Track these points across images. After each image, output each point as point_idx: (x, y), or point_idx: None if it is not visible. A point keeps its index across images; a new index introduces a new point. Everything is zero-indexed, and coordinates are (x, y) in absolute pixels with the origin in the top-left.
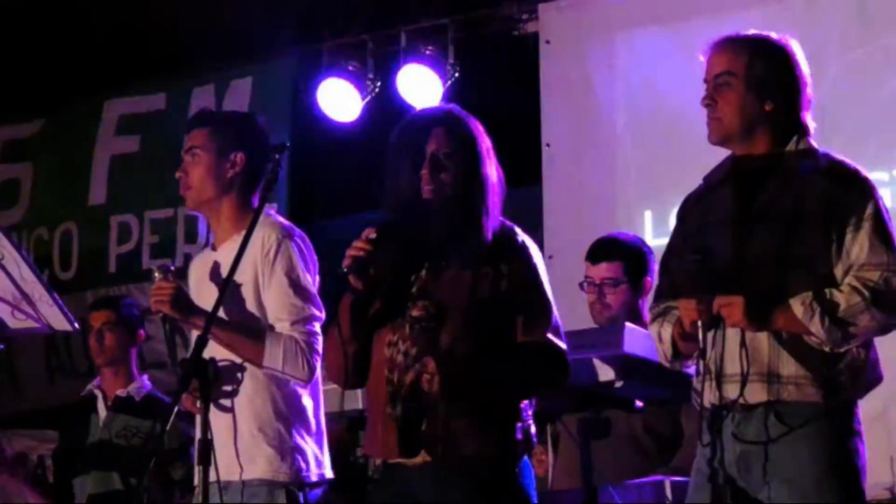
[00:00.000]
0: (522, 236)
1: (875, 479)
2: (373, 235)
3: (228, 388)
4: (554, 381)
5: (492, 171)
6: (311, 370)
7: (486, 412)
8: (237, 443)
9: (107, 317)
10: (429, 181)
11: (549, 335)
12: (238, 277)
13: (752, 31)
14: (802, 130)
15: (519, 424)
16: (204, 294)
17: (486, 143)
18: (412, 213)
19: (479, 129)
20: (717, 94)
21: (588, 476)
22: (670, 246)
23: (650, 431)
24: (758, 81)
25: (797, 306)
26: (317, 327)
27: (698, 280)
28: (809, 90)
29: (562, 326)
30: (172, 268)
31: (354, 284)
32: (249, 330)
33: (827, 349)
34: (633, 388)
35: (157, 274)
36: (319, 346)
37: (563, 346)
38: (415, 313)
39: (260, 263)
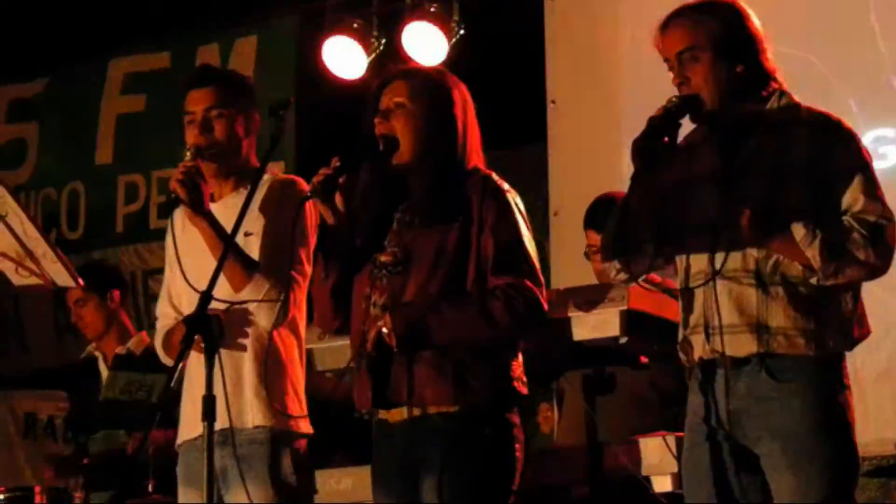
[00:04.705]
0: (498, 183)
1: (882, 434)
2: (337, 163)
3: (228, 337)
4: (524, 322)
5: (460, 123)
6: (286, 308)
7: (449, 362)
8: (237, 393)
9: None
10: (378, 130)
11: (521, 277)
12: (248, 227)
13: (697, 1)
14: (776, 82)
15: (495, 370)
16: (196, 240)
17: (455, 97)
18: (376, 159)
19: (449, 84)
20: (687, 70)
21: (592, 433)
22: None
23: (655, 387)
24: (724, 47)
25: (799, 229)
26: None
27: None
28: (763, 36)
29: (538, 270)
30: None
31: (324, 214)
32: (245, 262)
33: (815, 281)
34: (638, 344)
35: (187, 153)
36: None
37: (537, 287)
38: (382, 258)
39: (270, 211)
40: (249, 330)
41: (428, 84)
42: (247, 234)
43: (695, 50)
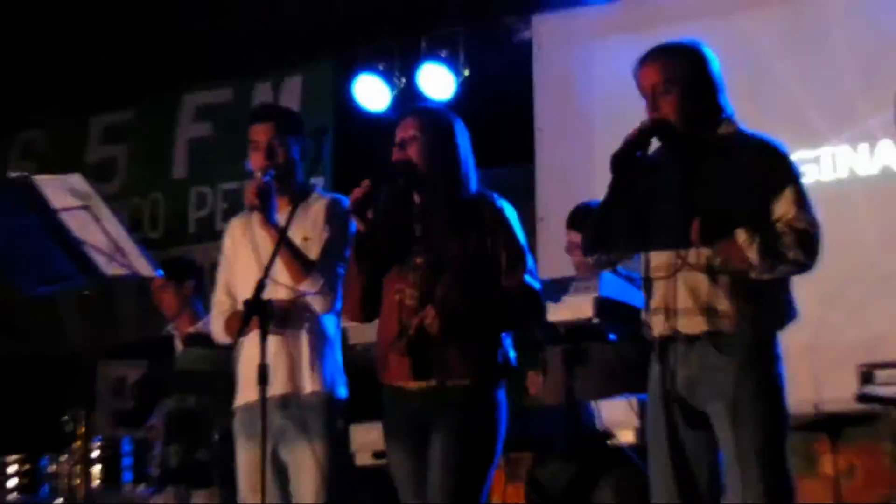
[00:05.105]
0: (500, 201)
1: (801, 396)
2: (367, 183)
3: (290, 321)
4: (530, 316)
5: (461, 151)
6: (335, 298)
7: (473, 344)
8: (296, 365)
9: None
10: (396, 157)
11: (526, 277)
12: (308, 233)
13: (671, 42)
14: (727, 113)
15: (500, 351)
16: (260, 243)
17: (456, 129)
18: (397, 181)
19: (450, 120)
20: (659, 99)
21: (570, 395)
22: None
23: (621, 359)
24: (691, 85)
25: (741, 234)
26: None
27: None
28: (722, 78)
29: (535, 270)
30: (272, 173)
31: (358, 226)
32: (304, 260)
33: (754, 275)
34: (607, 323)
35: (258, 174)
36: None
37: (538, 286)
38: (418, 260)
39: (323, 222)
40: (307, 315)
41: (435, 120)
42: (306, 240)
43: (667, 84)
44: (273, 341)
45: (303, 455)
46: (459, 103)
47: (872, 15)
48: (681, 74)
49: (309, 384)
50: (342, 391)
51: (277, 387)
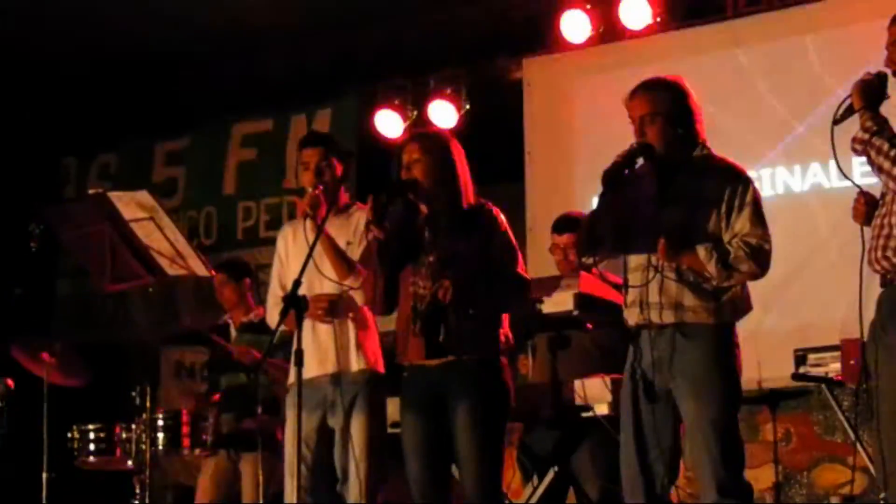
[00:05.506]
0: (494, 208)
1: (747, 375)
2: (383, 199)
3: (338, 310)
4: (521, 297)
5: (458, 167)
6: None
7: (482, 323)
8: (345, 347)
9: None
10: (403, 176)
11: (519, 269)
12: (350, 238)
13: (659, 78)
14: (701, 139)
15: (501, 331)
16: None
17: (452, 149)
18: (406, 197)
19: (446, 141)
20: (646, 127)
21: (555, 374)
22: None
23: (596, 344)
24: (673, 116)
25: (701, 250)
26: None
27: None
28: (700, 111)
29: (524, 265)
30: (321, 186)
31: (377, 234)
32: (348, 260)
33: (714, 283)
34: (586, 315)
35: (309, 188)
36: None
37: (527, 276)
38: (430, 258)
39: (362, 230)
40: (351, 305)
41: (434, 143)
42: (349, 244)
43: (653, 115)
44: (324, 328)
45: (351, 423)
46: (461, 131)
47: (789, 63)
48: (664, 106)
49: (355, 363)
50: (382, 369)
51: (329, 365)
